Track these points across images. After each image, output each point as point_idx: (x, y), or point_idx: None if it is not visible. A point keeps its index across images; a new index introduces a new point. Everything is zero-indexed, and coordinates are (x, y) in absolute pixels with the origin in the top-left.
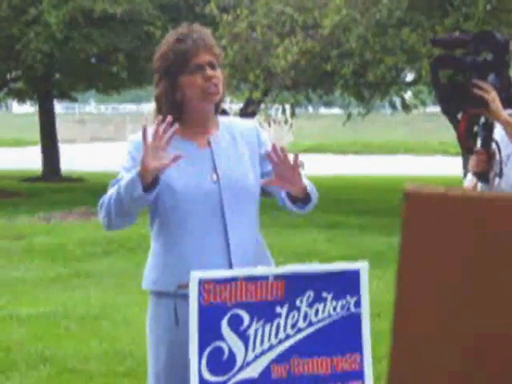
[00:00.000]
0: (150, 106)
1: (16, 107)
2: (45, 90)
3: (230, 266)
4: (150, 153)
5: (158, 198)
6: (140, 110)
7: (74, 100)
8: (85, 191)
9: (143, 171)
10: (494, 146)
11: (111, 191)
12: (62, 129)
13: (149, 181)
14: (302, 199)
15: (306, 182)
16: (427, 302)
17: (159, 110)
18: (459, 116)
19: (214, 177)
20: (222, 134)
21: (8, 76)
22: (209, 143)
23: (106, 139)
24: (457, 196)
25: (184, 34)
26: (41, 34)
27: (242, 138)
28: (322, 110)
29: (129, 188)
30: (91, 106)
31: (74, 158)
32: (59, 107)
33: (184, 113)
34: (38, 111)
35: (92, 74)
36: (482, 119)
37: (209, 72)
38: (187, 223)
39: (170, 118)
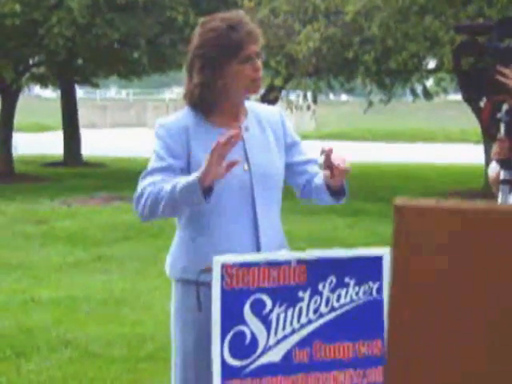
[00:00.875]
0: (170, 92)
1: (38, 91)
2: (67, 75)
3: (259, 251)
4: (215, 161)
5: None
6: (161, 96)
7: (96, 86)
8: (106, 176)
9: (206, 178)
10: None
11: (154, 186)
12: (83, 114)
13: (207, 186)
14: (338, 191)
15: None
16: (420, 316)
17: (201, 96)
18: (482, 103)
19: (246, 166)
20: (250, 121)
21: (30, 61)
22: (240, 130)
23: (126, 125)
24: (447, 208)
25: (236, 22)
26: (63, 19)
27: (268, 125)
28: (344, 97)
29: (187, 193)
30: (112, 92)
31: (95, 144)
32: (80, 92)
33: (224, 100)
34: (60, 96)
35: (114, 60)
36: (506, 106)
37: (258, 63)
38: (218, 212)
39: (236, 132)
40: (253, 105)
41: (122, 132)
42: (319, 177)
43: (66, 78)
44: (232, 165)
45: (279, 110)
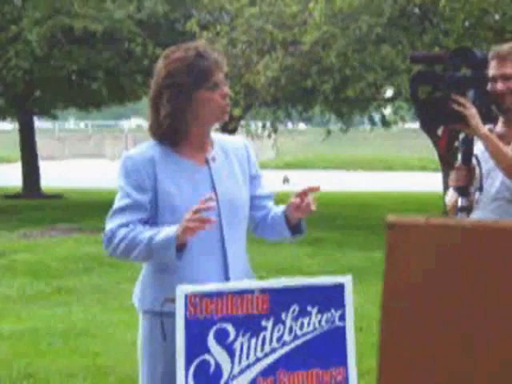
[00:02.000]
0: (129, 123)
1: None
2: (25, 107)
3: (227, 279)
4: (193, 220)
5: (157, 217)
6: (120, 127)
7: (55, 117)
8: (65, 208)
9: (183, 234)
10: (474, 160)
11: (128, 231)
12: (41, 146)
13: (182, 243)
14: (294, 226)
15: None
16: (411, 328)
17: (170, 127)
18: (439, 132)
19: (213, 195)
20: (217, 152)
21: None
22: (207, 161)
23: (85, 156)
24: (437, 225)
25: (203, 51)
26: (21, 52)
27: (234, 155)
28: (302, 126)
29: (163, 248)
30: (70, 123)
31: (54, 175)
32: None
33: (191, 131)
34: (18, 128)
35: (72, 91)
36: (462, 134)
37: (226, 89)
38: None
39: (211, 196)
40: (219, 136)
41: (80, 163)
42: (277, 211)
43: (25, 109)
44: (209, 222)
45: (244, 141)
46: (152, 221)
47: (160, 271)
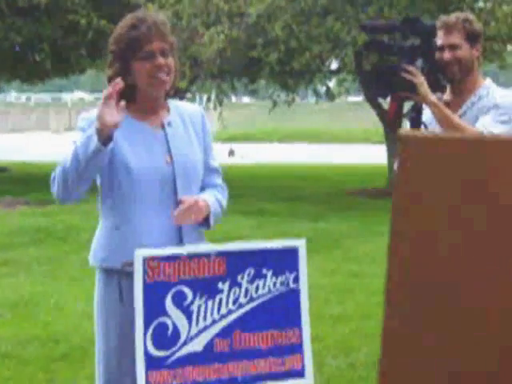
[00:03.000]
0: (71, 96)
1: None
2: None
3: (181, 243)
4: (106, 109)
5: (112, 176)
6: (62, 100)
7: None
8: (9, 181)
9: (102, 126)
10: (422, 128)
11: (63, 161)
12: None
13: (105, 137)
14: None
15: (210, 200)
16: (419, 247)
17: None
18: (387, 101)
19: (168, 159)
20: (173, 117)
21: None
22: (162, 126)
23: (28, 129)
24: (450, 138)
25: (139, 20)
26: None
27: (190, 122)
28: (246, 100)
29: (86, 144)
30: (12, 96)
31: None
32: None
33: (136, 96)
34: None
35: (16, 64)
36: (411, 102)
37: (159, 60)
38: (141, 202)
39: (119, 80)
40: (177, 102)
41: (23, 137)
42: (206, 193)
43: None
44: (122, 107)
45: (201, 109)
46: (108, 181)
47: (115, 227)
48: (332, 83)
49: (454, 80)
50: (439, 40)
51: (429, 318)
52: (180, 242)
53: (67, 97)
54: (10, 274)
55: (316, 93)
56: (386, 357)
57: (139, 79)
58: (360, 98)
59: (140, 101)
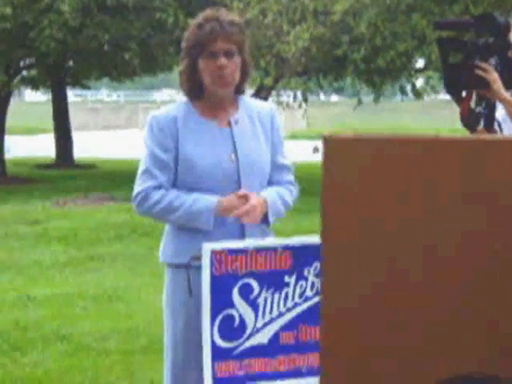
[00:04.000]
0: (161, 94)
1: (29, 95)
2: (58, 77)
3: (243, 238)
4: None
5: (178, 173)
6: (152, 98)
7: (87, 88)
8: (98, 178)
9: (222, 211)
10: (496, 125)
11: (165, 194)
12: (74, 116)
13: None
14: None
15: (269, 198)
16: (350, 237)
17: (181, 84)
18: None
19: (233, 157)
20: (241, 115)
21: (22, 64)
22: (229, 123)
23: (118, 126)
24: (370, 139)
25: (206, 19)
26: (54, 22)
27: (258, 120)
28: (334, 98)
29: (198, 217)
30: (103, 94)
31: (87, 146)
32: (71, 95)
33: (204, 93)
34: (51, 99)
35: (105, 62)
36: (485, 100)
37: (221, 61)
38: None
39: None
40: (247, 99)
41: (113, 134)
42: (270, 190)
43: (57, 80)
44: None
45: (271, 106)
46: (174, 177)
47: (182, 226)
48: (419, 81)
49: None
50: None
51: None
52: (242, 237)
53: (156, 95)
54: (95, 269)
55: (402, 91)
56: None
57: (204, 77)
58: (449, 97)
59: (207, 98)
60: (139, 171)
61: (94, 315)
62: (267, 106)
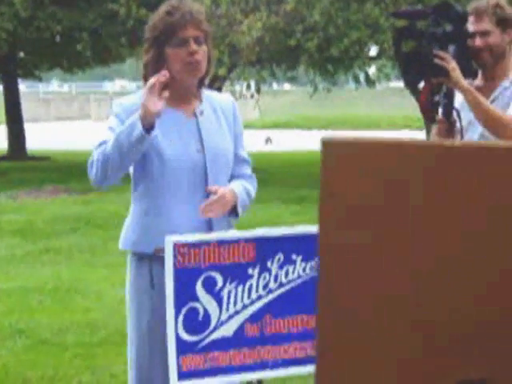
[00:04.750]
0: (113, 85)
1: None
2: (9, 69)
3: (210, 231)
4: (150, 98)
5: (146, 162)
6: (104, 89)
7: (39, 79)
8: (51, 170)
9: (146, 114)
10: (454, 114)
11: (103, 146)
12: (26, 108)
13: (148, 124)
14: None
15: (237, 190)
16: (348, 251)
17: (145, 77)
18: (420, 86)
19: (199, 147)
20: (205, 106)
21: None
22: (194, 114)
23: (70, 118)
24: (369, 143)
25: (174, 7)
26: (5, 13)
27: (221, 112)
28: (286, 87)
29: (129, 131)
30: (54, 85)
31: (40, 137)
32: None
33: (170, 83)
34: (2, 91)
35: (56, 53)
36: (443, 88)
37: (193, 47)
38: (172, 190)
39: (166, 72)
40: (208, 92)
41: (65, 125)
42: (233, 183)
43: (9, 71)
44: (164, 96)
45: (232, 99)
46: (140, 167)
47: (145, 213)
48: (372, 69)
49: (486, 66)
50: (470, 26)
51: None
52: (210, 229)
53: (108, 85)
54: (51, 262)
55: (356, 79)
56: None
57: (173, 66)
58: (401, 84)
59: (173, 89)
60: (94, 146)
61: (53, 308)
62: (228, 98)
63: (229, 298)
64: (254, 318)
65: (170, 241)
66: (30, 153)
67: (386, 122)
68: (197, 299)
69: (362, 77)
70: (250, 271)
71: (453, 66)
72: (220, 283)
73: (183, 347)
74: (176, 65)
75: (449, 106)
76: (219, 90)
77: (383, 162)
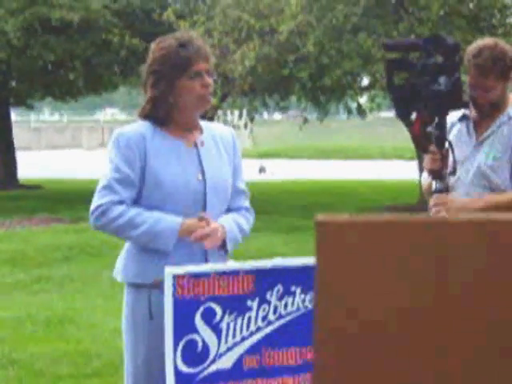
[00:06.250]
0: (104, 113)
1: None
2: (2, 97)
3: (206, 261)
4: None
5: (143, 191)
6: (95, 118)
7: (31, 108)
8: (43, 198)
9: (184, 233)
10: (447, 145)
11: (126, 210)
12: (17, 137)
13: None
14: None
15: (227, 226)
16: (346, 331)
17: (152, 110)
18: (412, 117)
19: (200, 176)
20: (205, 137)
21: None
22: (195, 144)
23: (62, 147)
24: (364, 222)
25: (186, 41)
26: None
27: (222, 143)
28: (277, 116)
29: (160, 236)
30: (45, 114)
31: (31, 166)
32: (13, 115)
33: (176, 114)
34: None
35: (49, 82)
36: (435, 119)
37: (207, 79)
38: None
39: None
40: (207, 123)
41: (57, 154)
42: (226, 217)
43: (1, 100)
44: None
45: (231, 130)
46: (138, 195)
47: (144, 247)
48: (363, 99)
49: (483, 112)
50: (471, 78)
51: None
52: (205, 261)
53: (100, 114)
54: (43, 291)
55: (347, 109)
56: None
57: (186, 98)
58: (392, 114)
59: (178, 119)
60: (99, 186)
61: (46, 338)
62: (227, 129)
63: (228, 329)
64: (253, 350)
65: (169, 272)
66: (22, 181)
67: (377, 152)
68: (196, 331)
69: (353, 106)
70: (249, 303)
71: (448, 206)
72: (219, 315)
73: (182, 379)
74: (189, 97)
75: (441, 137)
76: (211, 119)
77: (382, 242)
